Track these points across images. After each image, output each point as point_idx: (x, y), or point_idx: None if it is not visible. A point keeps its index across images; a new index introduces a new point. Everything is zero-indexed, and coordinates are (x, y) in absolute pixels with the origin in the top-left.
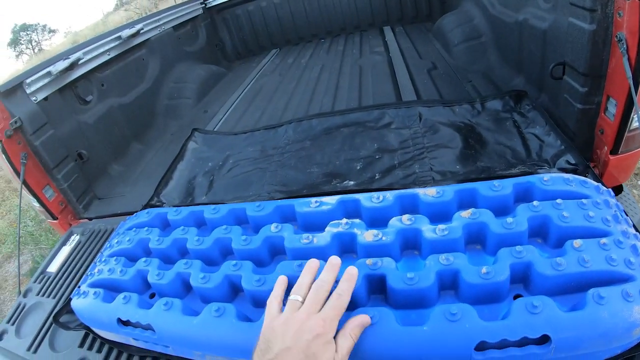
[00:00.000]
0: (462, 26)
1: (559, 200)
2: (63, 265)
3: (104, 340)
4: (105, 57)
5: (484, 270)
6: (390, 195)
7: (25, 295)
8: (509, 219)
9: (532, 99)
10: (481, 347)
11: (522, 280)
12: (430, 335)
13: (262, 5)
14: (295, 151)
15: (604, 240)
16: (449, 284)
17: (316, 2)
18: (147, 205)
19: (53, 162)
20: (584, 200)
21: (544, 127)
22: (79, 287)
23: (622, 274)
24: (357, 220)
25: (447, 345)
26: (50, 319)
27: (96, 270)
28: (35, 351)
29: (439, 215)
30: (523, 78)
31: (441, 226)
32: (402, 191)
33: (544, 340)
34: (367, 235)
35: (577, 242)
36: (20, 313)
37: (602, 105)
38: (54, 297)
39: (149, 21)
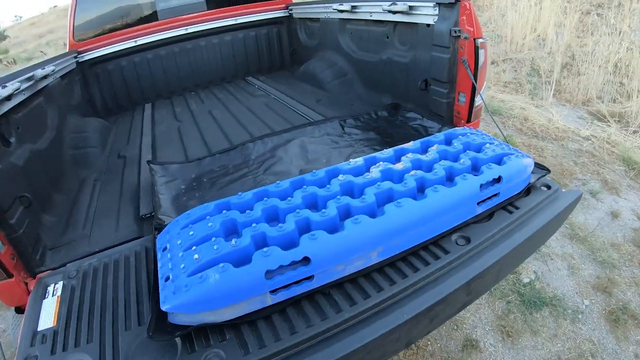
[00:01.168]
0: (329, 68)
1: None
2: (65, 313)
3: (219, 324)
4: (21, 97)
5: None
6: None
7: None
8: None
9: (404, 107)
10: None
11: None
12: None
13: (135, 60)
14: (263, 162)
15: (487, 145)
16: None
17: (186, 57)
18: (157, 224)
19: (2, 207)
20: (473, 135)
21: (422, 119)
22: (173, 286)
23: (507, 153)
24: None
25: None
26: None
27: (182, 265)
28: None
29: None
30: (389, 96)
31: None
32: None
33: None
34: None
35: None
36: None
37: (456, 98)
38: (83, 344)
39: (47, 67)
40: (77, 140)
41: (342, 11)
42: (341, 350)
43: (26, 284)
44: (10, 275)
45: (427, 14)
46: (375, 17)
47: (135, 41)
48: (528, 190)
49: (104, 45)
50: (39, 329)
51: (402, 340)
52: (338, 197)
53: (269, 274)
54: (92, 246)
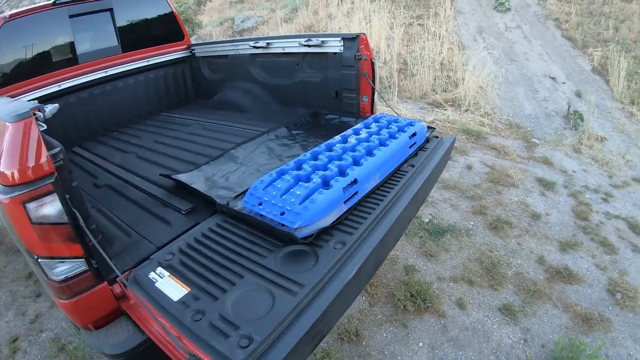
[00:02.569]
0: (246, 95)
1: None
2: (192, 279)
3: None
4: None
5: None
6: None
7: None
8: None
9: (321, 112)
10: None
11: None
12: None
13: (60, 104)
14: (252, 160)
15: (400, 119)
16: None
17: (106, 99)
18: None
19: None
20: (387, 116)
21: (340, 118)
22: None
23: (412, 121)
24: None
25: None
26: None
27: (292, 200)
28: None
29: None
30: (304, 108)
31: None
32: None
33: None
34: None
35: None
36: None
37: (361, 99)
38: (235, 279)
39: None
40: None
41: (257, 47)
42: (386, 226)
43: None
44: (101, 280)
45: (335, 45)
46: (287, 50)
47: (59, 85)
48: (427, 140)
49: (29, 91)
50: (176, 300)
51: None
52: (347, 152)
53: (343, 190)
54: (156, 243)
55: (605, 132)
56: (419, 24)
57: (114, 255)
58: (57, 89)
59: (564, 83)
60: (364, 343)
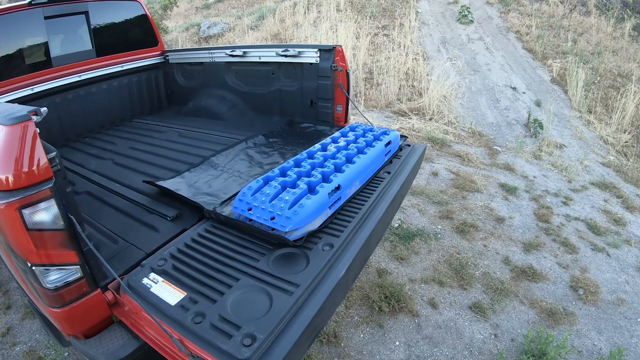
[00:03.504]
0: (221, 102)
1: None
2: (187, 283)
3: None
4: None
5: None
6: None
7: None
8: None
9: (296, 120)
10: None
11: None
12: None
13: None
14: (234, 167)
15: (375, 128)
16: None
17: (80, 104)
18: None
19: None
20: (362, 125)
21: (315, 126)
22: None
23: (386, 129)
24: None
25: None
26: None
27: (282, 205)
28: None
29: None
30: (278, 116)
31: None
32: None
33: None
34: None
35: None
36: None
37: (335, 109)
38: (231, 283)
39: None
40: None
41: (234, 55)
42: (367, 232)
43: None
44: (95, 287)
45: (311, 56)
46: (264, 59)
47: (32, 89)
48: (400, 148)
49: (1, 94)
50: (174, 304)
51: (389, 218)
52: (329, 160)
53: (328, 195)
54: (145, 249)
55: (564, 140)
56: (384, 34)
57: (106, 260)
58: (29, 92)
59: (524, 93)
60: (342, 344)
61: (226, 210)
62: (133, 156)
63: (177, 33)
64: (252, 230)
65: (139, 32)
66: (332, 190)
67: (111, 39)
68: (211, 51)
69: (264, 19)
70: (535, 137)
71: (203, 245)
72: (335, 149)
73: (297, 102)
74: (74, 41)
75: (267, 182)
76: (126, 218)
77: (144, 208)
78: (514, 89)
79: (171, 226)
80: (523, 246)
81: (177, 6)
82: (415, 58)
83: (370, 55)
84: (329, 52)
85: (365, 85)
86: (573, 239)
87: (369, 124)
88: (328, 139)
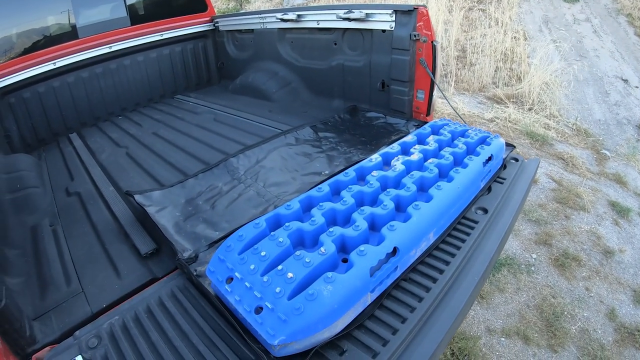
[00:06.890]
0: (272, 79)
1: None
2: None
3: None
4: None
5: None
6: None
7: None
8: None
9: (361, 108)
10: None
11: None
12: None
13: (55, 85)
14: (255, 175)
15: (469, 131)
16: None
17: (111, 79)
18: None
19: None
20: (453, 124)
21: (385, 117)
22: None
23: (485, 135)
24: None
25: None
26: None
27: (277, 289)
28: None
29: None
30: (341, 100)
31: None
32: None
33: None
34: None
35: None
36: None
37: (415, 95)
38: None
39: None
40: (11, 181)
41: (286, 20)
42: (448, 320)
43: None
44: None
45: (384, 20)
46: (323, 25)
47: (55, 63)
48: (504, 165)
49: (18, 70)
50: None
51: (474, 297)
52: (388, 190)
53: (371, 271)
54: (93, 304)
55: None
56: (480, 9)
57: (41, 313)
58: (52, 67)
59: (637, 87)
60: None
61: (206, 266)
62: (149, 146)
63: (260, 3)
64: (230, 317)
65: None
66: (381, 260)
67: (149, 4)
68: (262, 15)
69: None
70: None
71: (169, 315)
72: (403, 167)
73: (363, 83)
74: (104, 8)
75: (273, 225)
76: (97, 243)
77: (122, 230)
78: (626, 81)
79: (138, 269)
80: (634, 295)
81: None
82: (515, 37)
83: (464, 31)
84: (408, 14)
85: (456, 64)
86: None
87: (462, 122)
88: (395, 146)
